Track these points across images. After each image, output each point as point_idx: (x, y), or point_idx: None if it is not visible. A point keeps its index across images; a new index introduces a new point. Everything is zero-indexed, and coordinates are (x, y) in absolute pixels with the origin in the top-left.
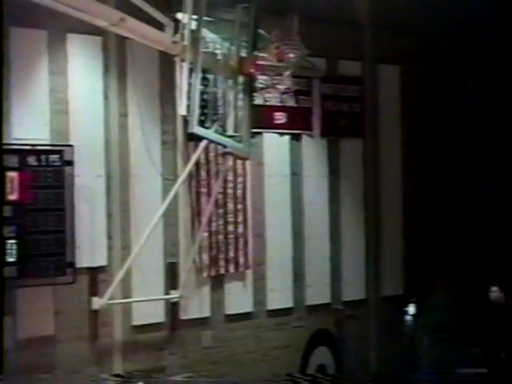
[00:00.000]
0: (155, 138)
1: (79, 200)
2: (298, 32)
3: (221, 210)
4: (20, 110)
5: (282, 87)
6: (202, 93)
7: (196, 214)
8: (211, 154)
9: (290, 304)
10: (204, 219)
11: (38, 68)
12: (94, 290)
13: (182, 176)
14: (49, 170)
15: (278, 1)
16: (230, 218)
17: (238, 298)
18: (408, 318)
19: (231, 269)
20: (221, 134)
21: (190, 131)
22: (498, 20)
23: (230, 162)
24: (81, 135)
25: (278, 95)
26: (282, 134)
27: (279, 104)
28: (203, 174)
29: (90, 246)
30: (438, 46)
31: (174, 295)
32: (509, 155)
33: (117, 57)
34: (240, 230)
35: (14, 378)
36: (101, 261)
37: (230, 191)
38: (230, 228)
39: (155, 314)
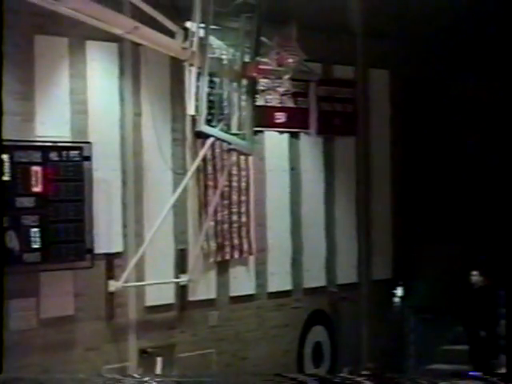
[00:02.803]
0: (166, 135)
1: (97, 192)
2: (296, 39)
3: (226, 201)
4: (43, 109)
5: (281, 89)
6: (209, 94)
7: (203, 204)
8: (217, 151)
9: (288, 287)
10: (210, 209)
11: (60, 72)
12: (111, 274)
13: (191, 170)
14: (69, 165)
15: (278, 11)
16: (235, 209)
17: (242, 281)
18: (396, 299)
19: (235, 255)
20: (226, 132)
21: (197, 129)
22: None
23: (234, 158)
24: (98, 133)
25: (278, 97)
26: (281, 132)
27: (279, 105)
28: (210, 168)
29: (107, 234)
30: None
31: (183, 279)
32: (493, 150)
33: (131, 61)
34: (243, 219)
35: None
36: (117, 247)
37: (234, 184)
38: (235, 217)
39: (166, 295)
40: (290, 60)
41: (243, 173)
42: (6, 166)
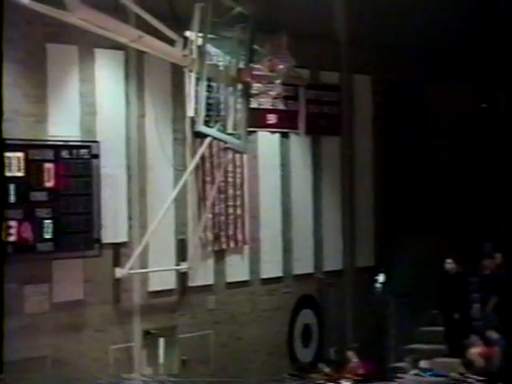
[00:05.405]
0: (168, 135)
1: (104, 187)
2: (286, 47)
3: (222, 196)
4: (55, 111)
5: (273, 93)
6: (207, 98)
7: (202, 198)
8: (214, 149)
9: (280, 273)
10: (208, 203)
11: (70, 77)
12: (117, 262)
13: (190, 167)
14: (79, 162)
15: (270, 21)
16: (230, 202)
17: (237, 268)
18: (378, 285)
19: (231, 244)
20: (222, 132)
21: (196, 130)
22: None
23: (230, 156)
24: (106, 133)
25: (269, 100)
26: (273, 133)
27: (271, 107)
28: (208, 165)
29: (114, 225)
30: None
31: (183, 266)
32: (470, 149)
33: (136, 67)
34: (238, 212)
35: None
36: (122, 237)
37: (230, 180)
38: (230, 210)
39: (168, 281)
40: (281, 66)
41: (238, 169)
42: (22, 163)
